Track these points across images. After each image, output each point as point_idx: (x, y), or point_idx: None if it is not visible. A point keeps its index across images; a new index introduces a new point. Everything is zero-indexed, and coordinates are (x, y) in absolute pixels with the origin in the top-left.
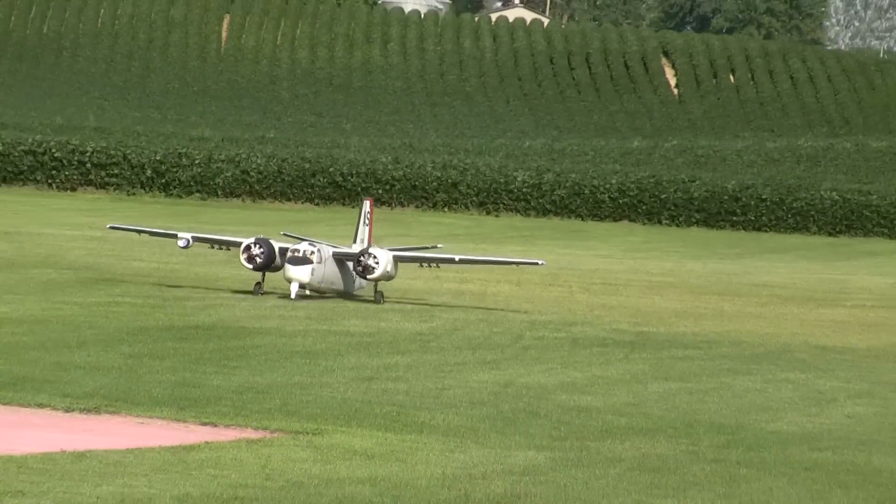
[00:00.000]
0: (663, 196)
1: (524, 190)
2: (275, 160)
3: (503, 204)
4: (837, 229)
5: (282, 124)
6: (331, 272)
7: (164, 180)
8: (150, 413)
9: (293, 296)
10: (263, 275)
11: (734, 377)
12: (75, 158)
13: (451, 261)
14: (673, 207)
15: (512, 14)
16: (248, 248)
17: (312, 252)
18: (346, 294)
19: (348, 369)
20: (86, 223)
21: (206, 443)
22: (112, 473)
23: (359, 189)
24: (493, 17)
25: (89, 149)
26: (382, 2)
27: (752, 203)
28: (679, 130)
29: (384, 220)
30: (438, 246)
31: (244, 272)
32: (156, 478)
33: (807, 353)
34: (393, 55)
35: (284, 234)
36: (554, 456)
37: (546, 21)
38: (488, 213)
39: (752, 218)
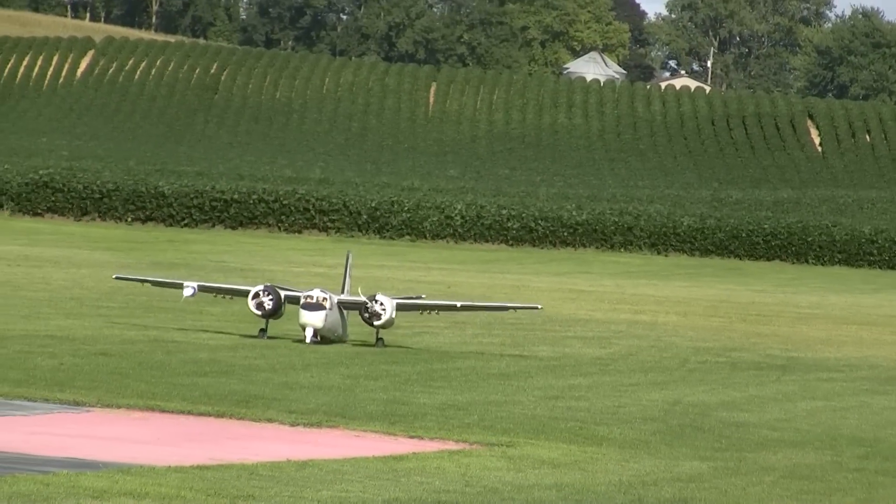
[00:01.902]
0: (809, 239)
1: (690, 233)
2: (474, 207)
3: (671, 245)
4: None
5: (480, 177)
6: (335, 319)
7: (378, 224)
8: (365, 427)
9: (308, 340)
10: (267, 321)
11: (872, 396)
12: (301, 205)
13: (453, 307)
14: (818, 249)
15: (678, 82)
16: (256, 294)
17: (325, 298)
18: (339, 341)
19: (537, 389)
20: (310, 261)
21: (414, 453)
22: (331, 480)
23: (547, 232)
24: (662, 85)
25: (314, 197)
26: (567, 72)
27: (887, 245)
28: (822, 182)
29: (568, 259)
30: (423, 296)
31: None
32: (369, 484)
33: None
34: (576, 118)
35: (267, 286)
36: (716, 465)
37: (708, 89)
38: (658, 252)
39: (887, 258)
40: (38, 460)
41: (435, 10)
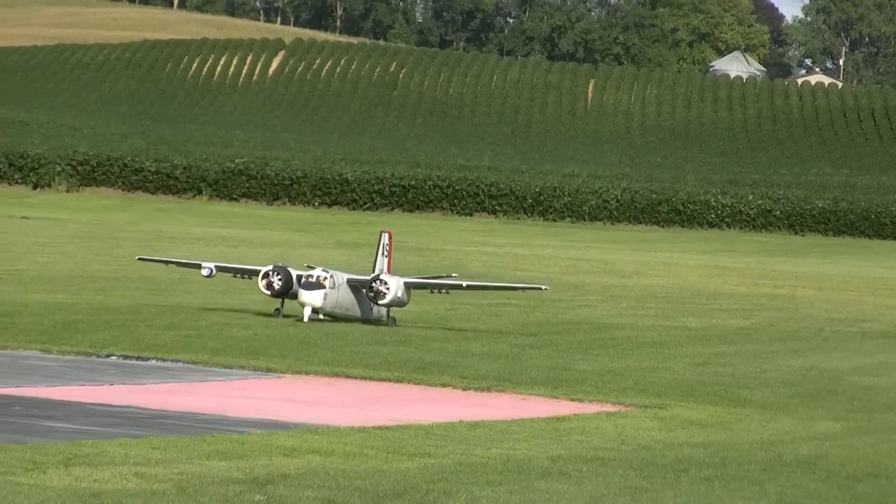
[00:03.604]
0: None
1: (824, 215)
2: (629, 192)
3: (807, 226)
4: None
5: (634, 164)
6: (345, 298)
7: (541, 207)
8: (530, 391)
9: (306, 319)
10: (283, 301)
11: None
12: (472, 191)
13: (460, 286)
14: None
15: (813, 79)
16: (266, 275)
17: (325, 278)
18: (364, 320)
19: (686, 356)
20: (480, 241)
21: (574, 415)
22: (499, 439)
23: (695, 214)
24: (799, 81)
25: (483, 183)
26: (713, 70)
27: None
28: None
29: (714, 238)
30: (454, 275)
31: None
32: (534, 442)
33: None
34: (720, 111)
35: (308, 266)
36: (848, 425)
37: (840, 84)
38: (795, 233)
39: None
40: (234, 421)
41: (593, 13)
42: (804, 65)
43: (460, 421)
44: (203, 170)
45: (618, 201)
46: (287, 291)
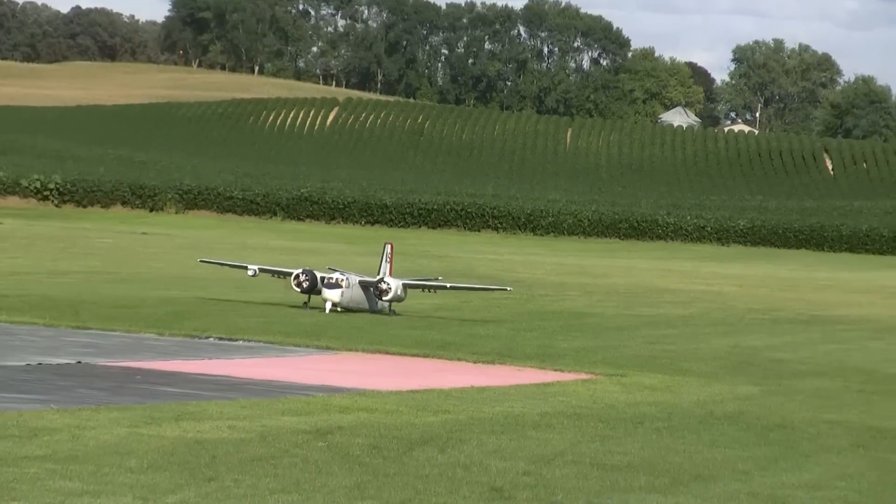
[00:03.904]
0: (825, 234)
1: (744, 230)
2: (598, 213)
3: (732, 238)
4: None
5: (602, 192)
6: (357, 295)
7: (532, 225)
8: (524, 363)
9: (327, 310)
10: (309, 296)
11: (870, 342)
12: (480, 212)
13: (444, 287)
14: (830, 241)
15: (737, 128)
16: (297, 276)
17: (342, 279)
18: (372, 311)
19: (641, 337)
20: (486, 250)
21: (557, 381)
22: (501, 399)
23: (646, 229)
24: (726, 129)
25: (489, 206)
26: (661, 120)
27: (878, 238)
28: (834, 196)
29: (662, 248)
30: (440, 278)
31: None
32: (527, 402)
33: None
34: (666, 152)
35: (329, 268)
36: (763, 389)
37: (756, 132)
38: (723, 244)
39: (878, 247)
40: (302, 387)
41: (571, 77)
42: (730, 116)
43: (471, 386)
44: (278, 197)
45: (589, 220)
46: (313, 289)
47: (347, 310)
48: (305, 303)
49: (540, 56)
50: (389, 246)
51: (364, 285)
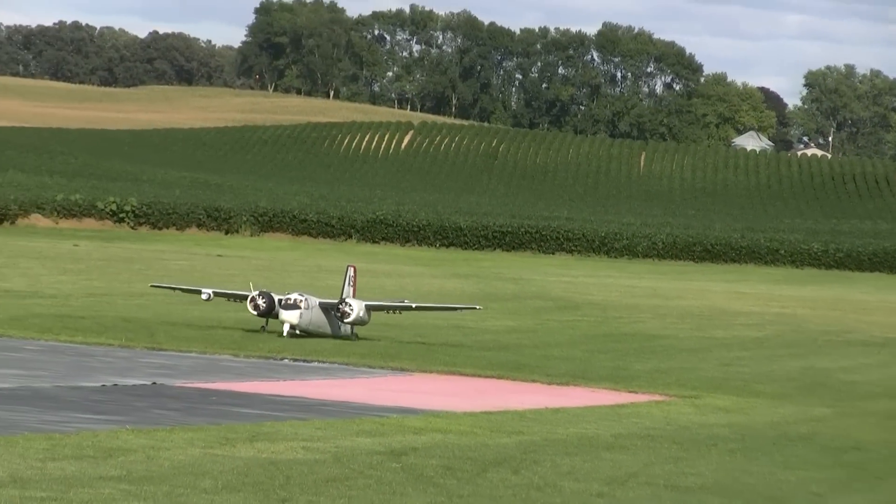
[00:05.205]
0: None
1: (818, 253)
2: (671, 236)
3: (805, 261)
4: None
5: (675, 216)
6: (317, 317)
7: (606, 248)
8: (598, 385)
9: (284, 333)
10: (267, 319)
11: None
12: (554, 235)
13: (410, 308)
14: None
15: (809, 152)
16: (253, 298)
17: (301, 300)
18: (335, 336)
19: (714, 359)
20: (560, 273)
21: (631, 403)
22: (575, 421)
23: (721, 252)
24: (798, 153)
25: (563, 229)
26: (734, 144)
27: None
28: None
29: (735, 271)
30: (406, 301)
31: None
32: (601, 424)
33: None
34: (739, 176)
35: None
36: (836, 410)
37: (829, 156)
38: (796, 267)
39: None
40: (376, 408)
41: (644, 102)
42: (802, 141)
43: (545, 407)
44: (353, 219)
45: (663, 243)
46: (270, 312)
47: (307, 333)
48: (263, 326)
49: (613, 81)
50: (352, 269)
51: (325, 307)
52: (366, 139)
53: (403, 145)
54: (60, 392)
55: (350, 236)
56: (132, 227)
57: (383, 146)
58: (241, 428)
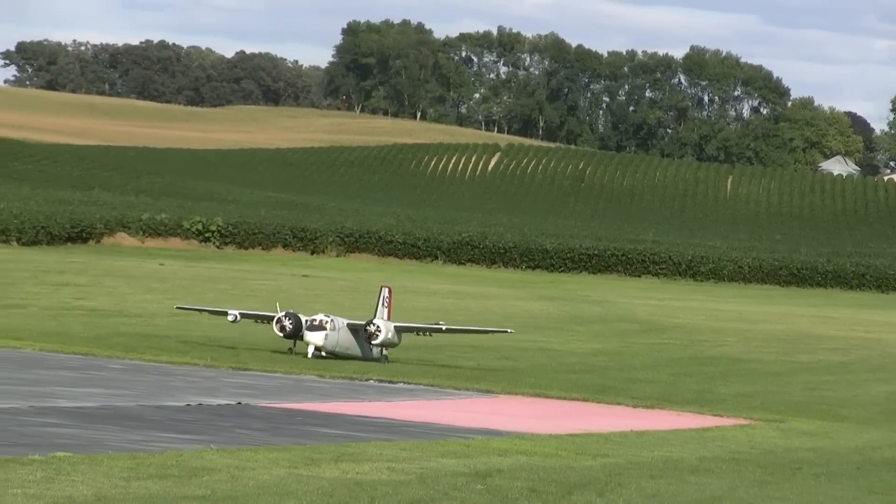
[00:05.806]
0: None
1: None
2: (757, 260)
3: (892, 286)
4: None
5: (762, 239)
6: (345, 339)
7: (692, 271)
8: (683, 408)
9: (309, 355)
10: (294, 341)
11: None
12: (640, 258)
13: (440, 330)
14: None
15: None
16: (279, 320)
17: (326, 321)
18: (364, 358)
19: (799, 383)
20: (646, 296)
21: (716, 426)
22: (660, 444)
23: (806, 276)
24: (885, 178)
25: (649, 252)
26: (820, 168)
27: None
28: None
29: (820, 295)
30: (440, 323)
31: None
32: (686, 447)
33: None
34: (826, 200)
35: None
36: None
37: None
38: (882, 291)
39: None
40: (461, 430)
41: (731, 126)
42: (889, 165)
43: (631, 430)
44: (439, 241)
45: (749, 267)
46: (297, 333)
47: (333, 355)
48: (290, 348)
49: (700, 104)
50: (387, 289)
51: (353, 328)
52: (452, 161)
53: (490, 167)
54: (144, 411)
55: (436, 258)
56: (218, 247)
57: (470, 168)
58: (325, 448)
